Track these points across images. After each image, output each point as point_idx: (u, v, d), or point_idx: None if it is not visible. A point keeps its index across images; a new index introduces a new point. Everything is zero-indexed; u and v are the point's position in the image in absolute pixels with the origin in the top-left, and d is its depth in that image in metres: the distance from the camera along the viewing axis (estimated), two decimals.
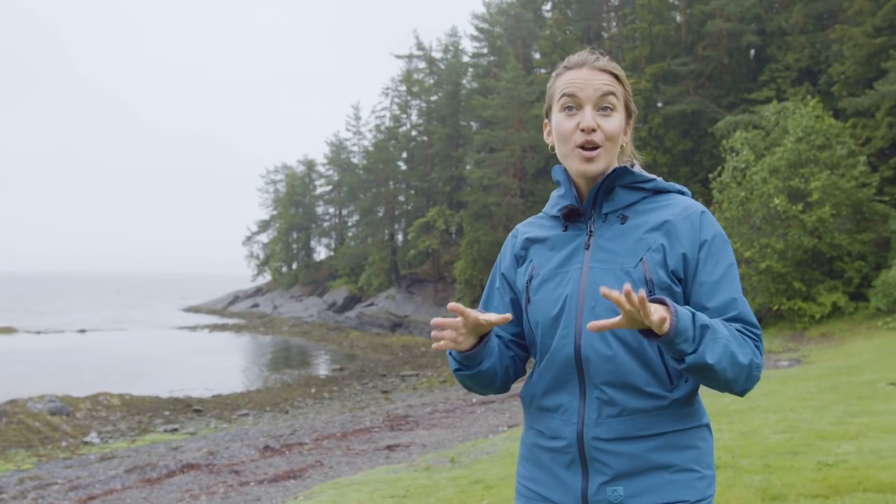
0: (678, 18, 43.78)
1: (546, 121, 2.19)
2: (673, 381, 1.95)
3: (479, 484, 7.40)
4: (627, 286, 1.70)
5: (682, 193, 2.13)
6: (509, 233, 2.34)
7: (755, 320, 1.96)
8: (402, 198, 62.99)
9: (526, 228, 2.26)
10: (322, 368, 31.86)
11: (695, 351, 1.78)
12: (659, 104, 41.50)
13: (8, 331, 50.13)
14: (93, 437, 16.91)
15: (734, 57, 41.17)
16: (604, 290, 1.73)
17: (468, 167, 51.83)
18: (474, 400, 17.15)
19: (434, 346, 1.96)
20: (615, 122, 2.04)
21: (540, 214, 2.27)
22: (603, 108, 2.04)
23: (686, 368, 1.82)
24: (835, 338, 23.63)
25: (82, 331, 51.97)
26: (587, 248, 2.05)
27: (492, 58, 58.32)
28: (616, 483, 1.92)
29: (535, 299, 2.08)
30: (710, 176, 30.45)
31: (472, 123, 56.47)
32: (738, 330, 1.91)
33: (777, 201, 25.56)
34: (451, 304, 1.89)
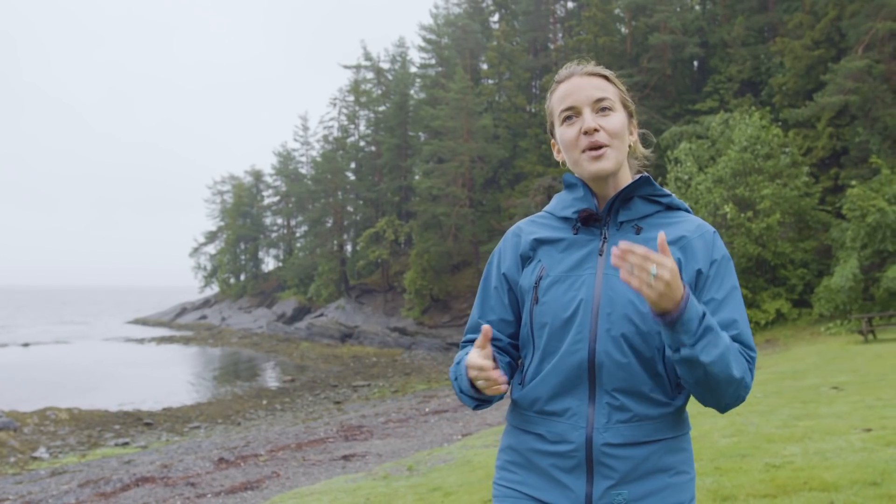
0: (623, 30, 44.44)
1: (553, 140, 2.21)
2: (675, 390, 1.99)
3: (439, 491, 7.51)
4: (644, 249, 1.76)
5: (689, 212, 2.16)
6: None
7: (753, 344, 1.99)
8: (350, 208, 62.88)
9: (531, 228, 2.21)
10: (273, 380, 31.71)
11: (692, 345, 1.81)
12: None
13: None
14: (42, 452, 16.69)
15: (678, 68, 41.94)
16: (623, 244, 1.77)
17: (417, 177, 52.07)
18: (427, 409, 17.26)
19: (494, 389, 1.93)
20: (616, 120, 2.06)
21: (543, 214, 2.24)
22: (601, 110, 2.06)
23: (679, 361, 1.85)
24: (779, 343, 24.14)
25: (26, 344, 51.05)
26: (601, 255, 2.04)
27: (439, 69, 58.57)
28: (621, 487, 1.94)
29: (543, 300, 2.05)
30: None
31: (420, 134, 56.68)
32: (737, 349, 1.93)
33: (727, 209, 26.07)
34: (486, 327, 1.92)
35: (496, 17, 58.43)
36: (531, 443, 2.06)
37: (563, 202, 2.18)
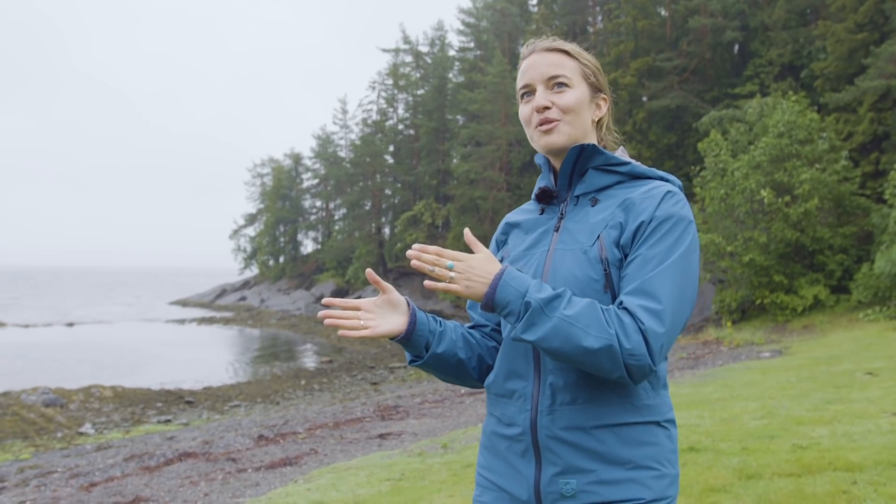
0: (663, 13, 44.13)
1: None
2: None
3: (472, 468, 7.71)
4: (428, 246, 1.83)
5: (666, 181, 2.04)
6: (496, 225, 2.34)
7: (660, 297, 1.79)
8: (388, 191, 63.17)
9: (513, 214, 2.26)
10: (311, 361, 32.08)
11: (514, 324, 1.79)
12: (644, 99, 41.87)
13: None
14: (87, 427, 17.13)
15: (718, 52, 41.58)
16: (415, 245, 1.83)
17: (455, 161, 52.15)
18: (463, 391, 17.46)
19: (340, 332, 1.91)
20: (570, 96, 2.01)
21: (529, 201, 2.25)
22: (557, 86, 2.02)
23: (513, 340, 1.84)
24: (816, 330, 24.02)
25: (71, 324, 51.99)
26: (556, 231, 2.03)
27: (478, 52, 58.58)
28: (569, 476, 1.85)
29: None
30: (692, 170, 30.83)
31: (458, 117, 56.76)
32: (623, 309, 1.79)
33: (764, 194, 25.91)
34: (369, 272, 1.93)
35: (535, 1, 58.19)
36: (493, 426, 2.05)
37: (536, 185, 2.18)
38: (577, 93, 2.03)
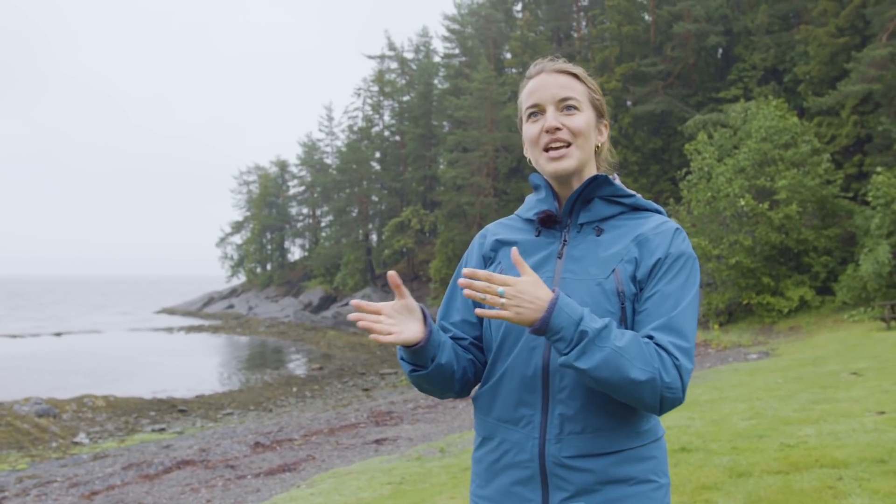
0: (647, 19, 44.49)
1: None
2: None
3: (470, 471, 7.90)
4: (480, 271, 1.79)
5: (659, 213, 2.10)
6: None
7: (687, 335, 1.89)
8: (375, 198, 63.31)
9: (496, 229, 2.21)
10: (301, 368, 32.19)
11: (567, 352, 1.79)
12: (629, 103, 42.21)
13: None
14: (82, 437, 17.23)
15: (702, 57, 41.96)
16: (466, 270, 1.81)
17: (441, 167, 52.47)
18: None
19: (372, 336, 1.86)
20: (580, 119, 2.03)
21: (512, 216, 2.22)
22: (566, 108, 2.03)
23: (561, 366, 1.83)
24: (802, 331, 24.32)
25: (58, 334, 51.90)
26: (560, 258, 2.01)
27: (463, 58, 58.82)
28: (577, 499, 1.89)
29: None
30: (678, 174, 31.13)
31: (444, 123, 57.01)
32: (657, 344, 1.85)
33: (743, 202, 26.24)
34: (392, 275, 1.90)
35: (519, 7, 58.50)
36: (492, 452, 2.03)
37: (528, 203, 2.19)
38: (586, 116, 2.05)
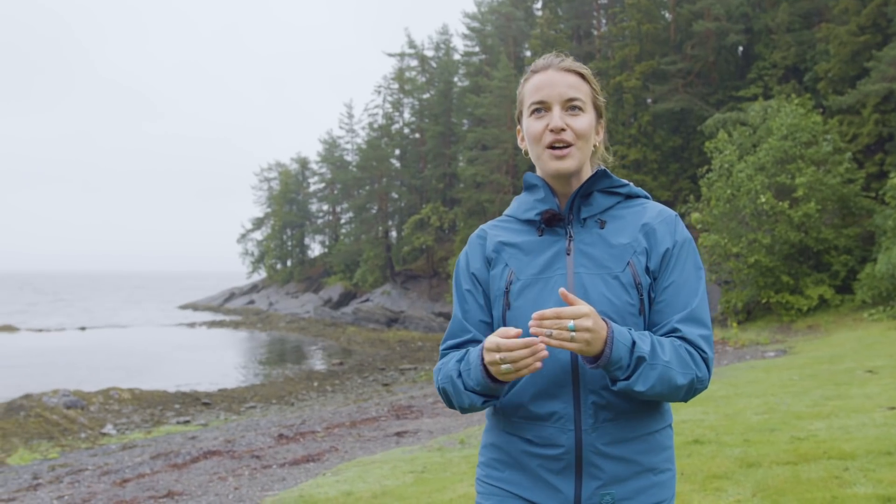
0: (667, 17, 44.50)
1: (519, 126, 2.18)
2: None
3: None
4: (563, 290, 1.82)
5: (648, 198, 2.17)
6: (470, 237, 2.26)
7: (708, 323, 2.00)
8: (395, 195, 63.51)
9: (495, 231, 2.20)
10: (322, 363, 32.54)
11: (627, 378, 1.86)
12: (649, 102, 42.27)
13: (9, 329, 50.60)
14: (109, 428, 17.63)
15: (722, 55, 41.95)
16: (562, 291, 1.82)
17: (461, 164, 52.59)
18: None
19: (538, 359, 1.81)
20: (584, 120, 2.05)
21: (503, 217, 2.23)
22: (571, 108, 2.05)
23: (616, 390, 1.90)
24: (821, 329, 24.37)
25: (83, 328, 52.58)
26: (568, 254, 2.03)
27: (483, 56, 58.91)
28: (609, 487, 1.95)
29: (516, 305, 2.04)
30: (699, 172, 31.20)
31: (464, 121, 57.10)
32: (685, 340, 1.95)
33: (763, 199, 26.30)
34: (562, 290, 1.84)
35: (539, 5, 58.50)
36: (518, 444, 2.05)
37: (524, 204, 2.19)
38: (589, 118, 2.08)
